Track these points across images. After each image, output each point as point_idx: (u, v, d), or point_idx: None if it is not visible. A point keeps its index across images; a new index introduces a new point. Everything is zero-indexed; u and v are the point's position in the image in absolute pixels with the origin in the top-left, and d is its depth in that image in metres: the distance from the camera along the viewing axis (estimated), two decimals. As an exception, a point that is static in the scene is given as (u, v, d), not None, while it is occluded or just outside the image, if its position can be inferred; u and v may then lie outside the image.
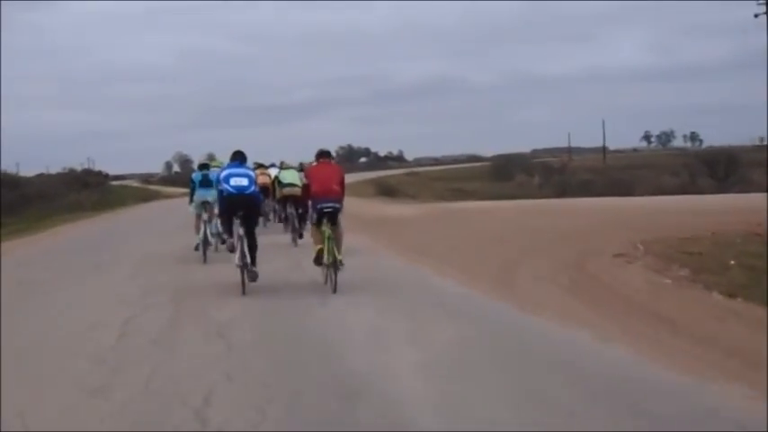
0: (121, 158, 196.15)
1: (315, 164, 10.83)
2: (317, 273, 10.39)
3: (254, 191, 10.46)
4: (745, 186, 42.98)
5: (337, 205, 10.23)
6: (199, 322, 8.38)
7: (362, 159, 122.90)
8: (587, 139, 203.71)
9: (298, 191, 16.69)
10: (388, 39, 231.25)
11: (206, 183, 14.65)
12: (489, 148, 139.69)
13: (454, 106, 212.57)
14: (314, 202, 10.29)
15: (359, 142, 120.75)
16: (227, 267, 10.99)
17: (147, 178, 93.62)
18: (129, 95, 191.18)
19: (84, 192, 47.83)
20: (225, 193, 10.36)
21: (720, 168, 53.76)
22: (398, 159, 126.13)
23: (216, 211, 14.09)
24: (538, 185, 60.78)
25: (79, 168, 69.09)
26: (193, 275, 12.24)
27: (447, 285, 10.71)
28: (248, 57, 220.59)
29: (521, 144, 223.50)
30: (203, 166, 15.47)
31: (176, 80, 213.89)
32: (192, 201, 14.77)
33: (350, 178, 11.96)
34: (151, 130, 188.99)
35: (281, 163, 19.84)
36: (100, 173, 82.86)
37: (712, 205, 24.24)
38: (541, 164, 79.79)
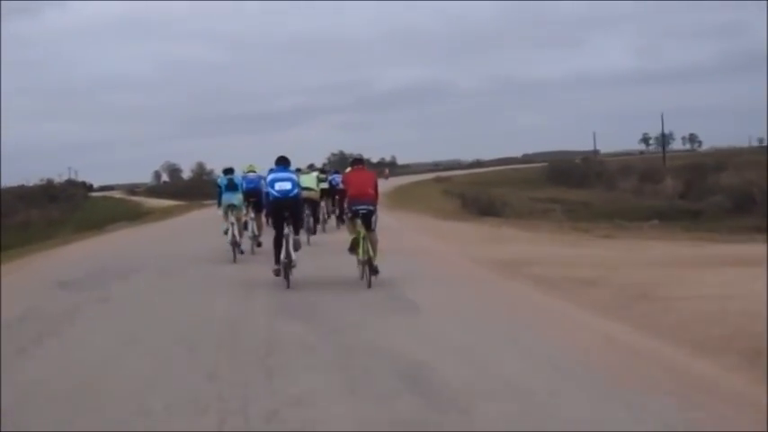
0: (110, 169, 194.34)
1: (351, 170, 11.93)
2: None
3: (297, 193, 11.31)
4: None
5: (371, 207, 11.01)
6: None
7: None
8: (577, 143, 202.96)
9: (315, 195, 18.17)
10: (372, 44, 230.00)
11: (231, 187, 15.16)
12: (477, 154, 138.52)
13: (441, 112, 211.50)
14: (350, 203, 11.20)
15: (347, 149, 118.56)
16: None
17: (132, 189, 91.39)
18: (115, 106, 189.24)
19: (47, 207, 40.92)
20: (271, 197, 11.24)
21: None
22: (392, 165, 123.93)
23: (242, 213, 15.30)
24: (677, 194, 41.00)
25: (59, 180, 66.77)
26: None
27: None
28: (233, 64, 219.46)
29: (511, 149, 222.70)
30: (228, 171, 15.75)
31: (161, 89, 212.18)
32: (219, 204, 15.46)
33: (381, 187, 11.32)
34: (139, 140, 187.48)
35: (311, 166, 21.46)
36: (83, 184, 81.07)
37: None
38: (676, 165, 56.51)
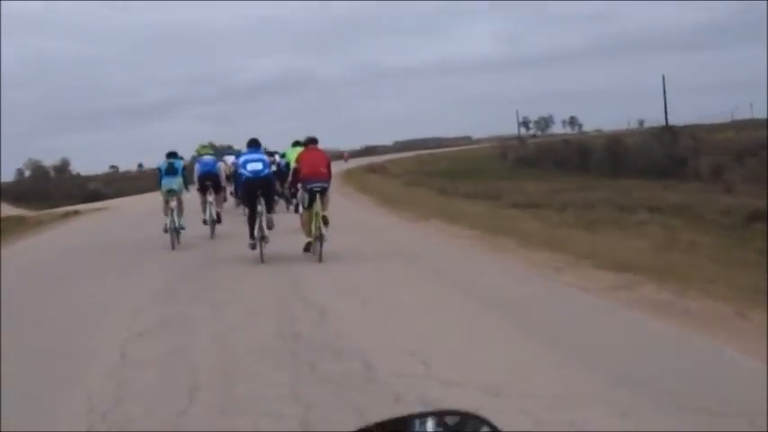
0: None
1: (305, 150, 12.23)
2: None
3: (268, 173, 11.85)
4: None
5: (325, 185, 11.56)
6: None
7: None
8: (449, 129, 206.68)
9: None
10: (235, 35, 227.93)
11: (171, 171, 14.53)
12: (348, 143, 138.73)
13: (307, 101, 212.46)
14: (304, 183, 11.53)
15: (216, 140, 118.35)
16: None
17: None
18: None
19: None
20: (243, 178, 11.72)
21: None
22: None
23: (182, 197, 14.52)
24: None
25: None
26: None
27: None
28: (96, 59, 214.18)
29: (379, 136, 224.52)
30: (172, 155, 14.88)
31: (28, 85, 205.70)
32: (160, 188, 14.69)
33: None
34: (6, 138, 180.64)
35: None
36: None
37: None
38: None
